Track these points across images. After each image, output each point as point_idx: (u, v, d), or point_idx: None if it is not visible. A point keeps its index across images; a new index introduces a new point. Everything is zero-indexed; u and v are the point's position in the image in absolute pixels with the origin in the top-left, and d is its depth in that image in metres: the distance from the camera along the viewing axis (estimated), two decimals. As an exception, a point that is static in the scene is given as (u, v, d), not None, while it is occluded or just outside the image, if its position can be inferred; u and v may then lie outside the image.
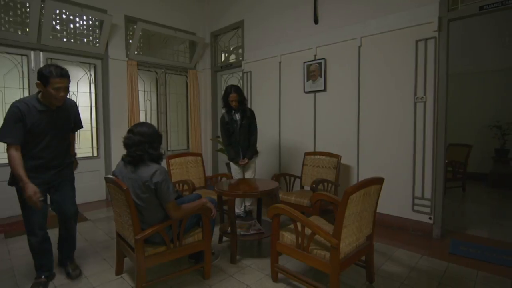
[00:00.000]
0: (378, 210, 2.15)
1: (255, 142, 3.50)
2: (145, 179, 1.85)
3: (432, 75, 2.98)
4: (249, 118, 3.43)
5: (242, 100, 3.36)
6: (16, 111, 1.89)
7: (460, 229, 3.27)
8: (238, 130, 3.39)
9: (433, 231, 3.03)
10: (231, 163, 3.53)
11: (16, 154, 1.88)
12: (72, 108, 2.24)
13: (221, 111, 5.59)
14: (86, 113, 4.45)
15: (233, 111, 3.38)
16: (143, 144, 1.90)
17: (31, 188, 1.84)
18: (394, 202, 3.25)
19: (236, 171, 3.52)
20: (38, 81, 1.90)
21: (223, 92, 3.41)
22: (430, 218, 3.04)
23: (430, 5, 2.96)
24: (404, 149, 3.18)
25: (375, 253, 2.55)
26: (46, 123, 2.00)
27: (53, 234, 2.39)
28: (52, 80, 1.88)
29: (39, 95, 1.99)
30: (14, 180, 1.98)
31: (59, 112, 2.08)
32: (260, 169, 4.74)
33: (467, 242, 2.87)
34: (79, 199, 4.33)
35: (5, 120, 1.90)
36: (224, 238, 2.95)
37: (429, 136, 3.02)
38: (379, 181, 1.97)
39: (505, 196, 4.84)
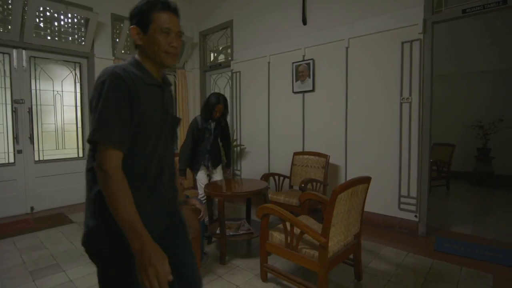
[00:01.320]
0: (365, 209, 2.18)
1: (230, 155, 3.33)
2: None
3: (417, 76, 3.04)
4: (224, 128, 3.20)
5: (226, 113, 3.10)
6: (120, 84, 0.94)
7: (444, 226, 3.36)
8: (210, 139, 3.08)
9: (418, 228, 3.09)
10: (198, 174, 3.12)
11: (122, 173, 0.92)
12: (171, 92, 1.25)
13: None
14: (71, 113, 4.35)
15: (210, 120, 3.06)
16: None
17: (159, 254, 0.87)
18: (381, 200, 3.31)
19: (203, 178, 3.14)
20: (134, 25, 1.05)
21: (206, 99, 3.07)
22: (415, 216, 3.10)
23: (415, 8, 3.02)
24: (391, 148, 3.24)
25: (363, 251, 2.58)
26: (160, 107, 1.08)
27: (49, 234, 2.33)
28: (156, 15, 1.03)
29: (138, 57, 1.07)
30: (106, 233, 0.95)
31: (166, 91, 1.15)
32: (249, 169, 4.75)
33: (451, 239, 2.95)
34: (64, 200, 4.31)
35: (103, 102, 0.92)
36: (214, 239, 2.94)
37: (414, 136, 3.08)
38: (366, 180, 2.00)
39: (486, 194, 4.99)
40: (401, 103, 3.16)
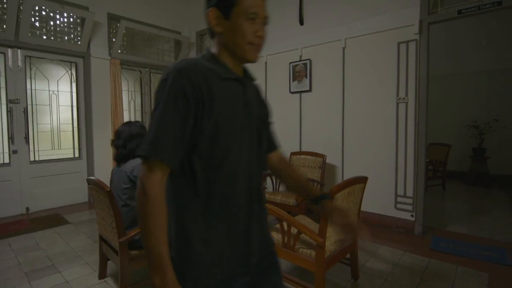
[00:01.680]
0: (362, 208, 2.19)
1: None
2: (128, 170, 1.93)
3: (414, 76, 3.06)
4: None
5: None
6: (185, 82, 0.76)
7: (440, 225, 3.38)
8: None
9: (415, 228, 3.11)
10: None
11: (162, 195, 0.76)
12: (258, 89, 1.01)
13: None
14: (67, 113, 4.32)
15: None
16: (129, 142, 1.99)
17: None
18: (377, 200, 3.32)
19: None
20: (212, 7, 0.85)
21: None
22: (412, 216, 3.12)
23: (411, 8, 3.04)
24: (387, 148, 3.26)
25: (360, 250, 2.59)
26: (241, 109, 0.85)
27: (45, 235, 2.32)
28: None
29: (215, 49, 0.89)
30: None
31: (250, 87, 0.93)
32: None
33: (447, 239, 2.97)
34: (60, 201, 4.28)
35: (161, 106, 0.76)
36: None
37: (410, 135, 3.10)
38: (363, 180, 2.00)
39: (482, 193, 5.03)
40: (397, 103, 3.17)
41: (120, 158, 2.01)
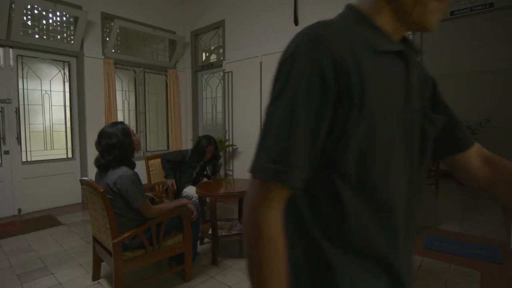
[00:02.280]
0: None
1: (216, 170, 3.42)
2: (111, 182, 1.84)
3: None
4: (214, 164, 3.31)
5: (218, 156, 3.22)
6: (321, 59, 0.47)
7: (434, 224, 3.41)
8: (193, 175, 3.16)
9: (408, 227, 3.13)
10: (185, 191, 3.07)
11: (280, 228, 0.51)
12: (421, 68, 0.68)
13: (202, 111, 5.59)
14: (60, 113, 4.27)
15: (200, 161, 3.14)
16: (113, 150, 1.88)
17: None
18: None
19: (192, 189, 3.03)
20: None
21: (197, 142, 3.12)
22: (406, 215, 3.14)
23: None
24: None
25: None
26: (402, 98, 0.55)
27: (37, 237, 2.29)
28: None
29: (364, 4, 0.58)
30: None
31: (414, 64, 0.58)
32: (241, 169, 4.74)
33: (440, 237, 3.00)
34: (53, 202, 4.22)
35: (283, 98, 0.50)
36: (206, 239, 2.93)
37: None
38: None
39: (474, 192, 5.09)
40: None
41: (100, 166, 1.93)
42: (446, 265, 2.42)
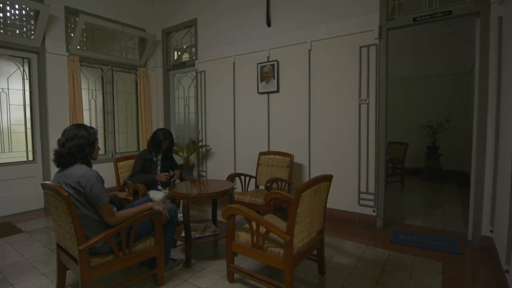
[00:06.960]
0: (328, 206, 2.27)
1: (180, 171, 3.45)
2: (73, 181, 1.77)
3: (374, 79, 3.22)
4: (169, 157, 3.41)
5: (171, 147, 3.37)
6: None
7: (399, 219, 3.59)
8: (157, 170, 3.26)
9: (376, 222, 3.28)
10: (150, 192, 3.04)
11: None
12: None
13: (174, 111, 5.47)
14: (19, 112, 3.99)
15: (157, 153, 3.27)
16: (72, 141, 1.87)
17: None
18: (342, 197, 3.45)
19: (158, 194, 3.04)
20: None
21: (153, 135, 3.24)
22: (374, 211, 3.29)
23: (371, 14, 3.20)
24: (351, 147, 3.40)
25: (326, 246, 2.68)
26: None
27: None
28: None
29: None
30: None
31: None
32: (214, 170, 4.70)
33: (406, 231, 3.16)
34: (12, 208, 3.94)
35: None
36: (179, 242, 2.87)
37: (372, 135, 3.26)
38: (328, 178, 2.07)
39: (435, 188, 5.43)
40: (359, 104, 3.32)
41: (59, 162, 1.89)
42: (411, 258, 2.56)
